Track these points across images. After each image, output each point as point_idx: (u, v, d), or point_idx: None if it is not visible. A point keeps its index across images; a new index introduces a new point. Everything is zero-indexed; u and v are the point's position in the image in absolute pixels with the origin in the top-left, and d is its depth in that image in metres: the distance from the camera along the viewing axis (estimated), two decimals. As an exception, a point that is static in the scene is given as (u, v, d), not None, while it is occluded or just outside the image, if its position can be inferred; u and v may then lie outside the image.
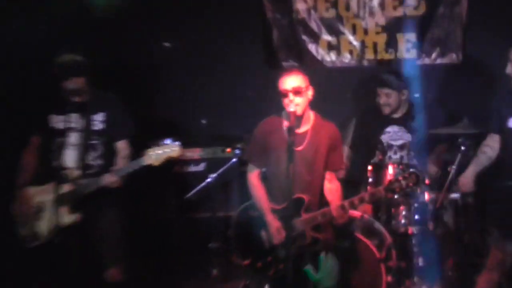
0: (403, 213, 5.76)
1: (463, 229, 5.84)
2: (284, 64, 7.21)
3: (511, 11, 6.42)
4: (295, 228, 4.75)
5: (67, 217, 5.03)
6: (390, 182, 4.83)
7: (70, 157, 5.16)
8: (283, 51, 7.25)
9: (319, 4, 7.11)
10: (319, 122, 4.97)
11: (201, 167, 6.69)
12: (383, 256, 5.54)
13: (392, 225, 5.77)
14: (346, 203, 4.82)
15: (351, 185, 5.80)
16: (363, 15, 7.02)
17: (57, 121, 5.22)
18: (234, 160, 6.34)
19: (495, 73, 6.10)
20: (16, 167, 5.28)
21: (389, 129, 6.20)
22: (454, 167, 5.67)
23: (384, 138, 6.19)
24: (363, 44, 7.08)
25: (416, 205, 5.76)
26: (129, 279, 5.33)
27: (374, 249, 5.53)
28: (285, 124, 4.89)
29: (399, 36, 6.95)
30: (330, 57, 7.16)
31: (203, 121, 6.94)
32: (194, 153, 6.66)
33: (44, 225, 5.09)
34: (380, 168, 5.85)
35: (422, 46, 6.91)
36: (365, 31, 7.05)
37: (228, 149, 6.52)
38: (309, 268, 4.85)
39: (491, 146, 5.34)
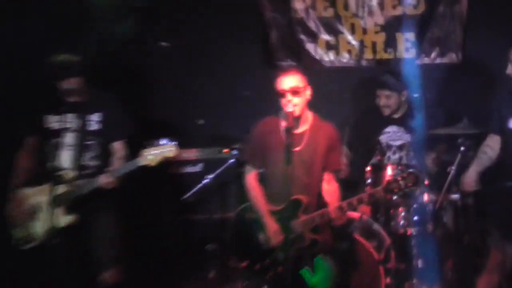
0: (402, 214, 5.77)
1: (462, 230, 5.83)
2: (282, 63, 7.17)
3: (511, 10, 6.38)
4: (293, 229, 4.74)
5: (63, 219, 5.00)
6: (389, 182, 4.79)
7: (65, 158, 5.14)
8: (281, 51, 7.22)
9: (317, 3, 7.08)
10: (317, 123, 4.94)
11: (198, 168, 6.65)
12: (382, 257, 5.53)
13: (391, 226, 5.77)
14: (344, 204, 4.79)
15: (350, 185, 5.76)
16: (362, 14, 6.99)
17: (53, 122, 5.20)
18: (231, 161, 6.30)
19: (495, 73, 6.09)
20: (11, 168, 5.27)
21: (388, 129, 6.20)
22: (453, 167, 5.68)
23: (383, 138, 6.19)
24: (362, 43, 7.05)
25: (415, 206, 5.77)
26: (125, 281, 5.30)
27: (373, 251, 5.51)
28: (283, 124, 4.86)
29: (398, 35, 6.92)
30: (329, 57, 7.13)
31: (201, 121, 6.93)
32: (191, 153, 6.63)
33: (39, 227, 5.07)
34: (379, 169, 5.85)
35: (422, 45, 6.87)
36: (364, 31, 7.03)
37: (226, 150, 6.47)
38: (305, 271, 4.81)
39: (492, 146, 5.33)
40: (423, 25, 6.83)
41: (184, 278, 6.46)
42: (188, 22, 7.17)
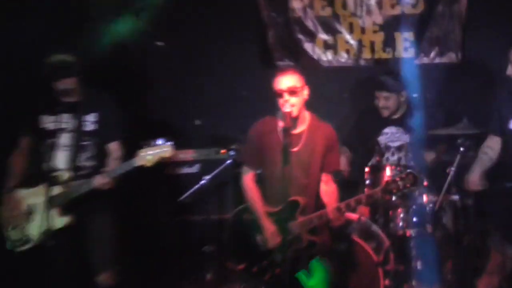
0: (401, 215, 5.75)
1: (462, 231, 5.83)
2: (280, 63, 7.18)
3: (511, 9, 6.37)
4: (291, 231, 4.72)
5: (59, 220, 4.97)
6: (387, 183, 4.76)
7: (61, 159, 5.11)
8: (278, 51, 7.22)
9: (315, 3, 7.07)
10: (315, 123, 4.91)
11: (195, 168, 6.63)
12: (381, 259, 5.51)
13: (390, 227, 5.75)
14: (342, 205, 4.76)
15: (349, 186, 5.74)
16: (360, 14, 6.98)
17: (48, 122, 5.17)
18: (228, 161, 6.30)
19: (495, 73, 6.11)
20: (5, 169, 5.23)
21: (386, 130, 6.19)
22: (453, 168, 5.67)
23: (382, 139, 6.18)
24: (360, 43, 7.04)
25: (414, 207, 5.76)
26: (122, 282, 5.28)
27: (372, 253, 5.49)
28: (280, 124, 4.82)
29: (397, 35, 6.91)
30: (327, 57, 7.12)
31: (197, 122, 6.90)
32: (188, 154, 6.62)
33: (35, 228, 5.03)
34: (377, 170, 5.84)
35: (421, 45, 6.86)
36: (362, 30, 7.01)
37: (223, 151, 6.47)
38: (301, 274, 4.79)
39: (492, 147, 5.31)
40: (422, 25, 6.82)
41: (181, 280, 6.45)
42: (184, 22, 7.15)
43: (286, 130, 4.63)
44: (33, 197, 5.07)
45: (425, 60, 6.86)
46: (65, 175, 5.03)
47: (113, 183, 4.97)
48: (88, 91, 5.21)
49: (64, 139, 5.12)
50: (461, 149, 5.63)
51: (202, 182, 6.25)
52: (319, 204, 4.88)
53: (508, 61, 5.05)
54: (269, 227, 4.78)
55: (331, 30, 7.08)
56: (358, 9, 6.96)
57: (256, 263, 4.86)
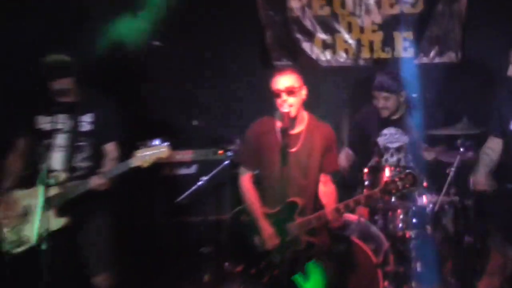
0: (401, 216, 5.74)
1: (462, 232, 5.81)
2: (278, 63, 7.17)
3: (511, 9, 6.35)
4: (289, 232, 4.71)
5: (55, 221, 4.93)
6: (386, 183, 4.74)
7: (57, 159, 5.09)
8: (276, 50, 7.21)
9: (313, 2, 7.07)
10: (314, 123, 4.89)
11: (192, 169, 6.64)
12: (380, 261, 5.49)
13: (390, 229, 5.73)
14: (341, 206, 4.74)
15: (348, 187, 5.73)
16: (359, 13, 6.97)
17: (44, 122, 5.16)
18: (226, 162, 6.30)
19: (495, 73, 6.11)
20: (1, 170, 5.21)
21: (385, 131, 6.17)
22: (453, 168, 5.65)
23: (381, 140, 6.16)
24: (359, 42, 7.02)
25: (414, 208, 5.75)
26: (119, 284, 5.26)
27: (371, 254, 5.46)
28: (278, 125, 4.82)
29: (396, 34, 6.90)
30: (325, 56, 7.11)
31: (195, 122, 6.88)
32: (185, 155, 6.60)
33: (31, 230, 4.98)
34: (376, 171, 5.81)
35: (420, 44, 6.86)
36: (361, 29, 7.00)
37: (220, 151, 6.48)
38: (298, 276, 4.77)
39: (493, 148, 5.30)
40: (421, 24, 6.82)
41: (179, 281, 6.44)
42: (182, 23, 7.11)
43: (284, 131, 4.63)
44: (29, 198, 5.05)
45: (425, 59, 6.86)
46: (61, 176, 5.00)
47: (109, 184, 4.96)
48: (85, 91, 5.20)
49: (60, 139, 5.11)
50: (461, 149, 5.62)
51: (200, 183, 6.25)
52: (317, 205, 4.86)
53: (508, 62, 5.03)
54: (267, 229, 4.76)
55: (330, 30, 7.06)
56: (357, 8, 6.95)
57: (254, 265, 4.84)
